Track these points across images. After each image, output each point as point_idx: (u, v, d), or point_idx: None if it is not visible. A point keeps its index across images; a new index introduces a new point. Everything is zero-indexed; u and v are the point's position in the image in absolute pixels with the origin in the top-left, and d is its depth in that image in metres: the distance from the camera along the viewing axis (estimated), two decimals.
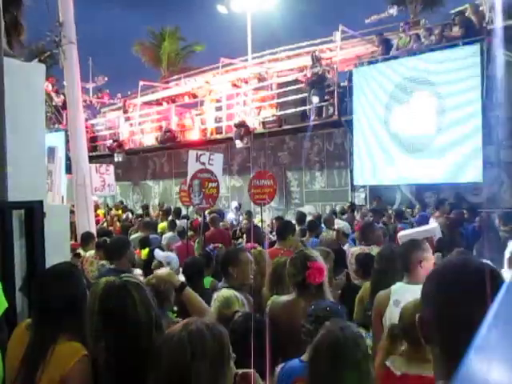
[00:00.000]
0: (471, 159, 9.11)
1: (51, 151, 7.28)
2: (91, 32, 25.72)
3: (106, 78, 22.19)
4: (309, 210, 10.15)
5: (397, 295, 2.87)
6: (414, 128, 9.88)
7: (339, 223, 6.49)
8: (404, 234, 5.46)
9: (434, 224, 5.81)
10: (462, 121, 9.26)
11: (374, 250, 4.44)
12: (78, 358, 1.82)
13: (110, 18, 54.89)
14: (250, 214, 9.02)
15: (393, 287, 2.98)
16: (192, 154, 6.98)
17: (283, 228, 5.03)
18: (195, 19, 41.81)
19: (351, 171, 11.19)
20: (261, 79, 13.98)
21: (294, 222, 6.75)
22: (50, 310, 1.91)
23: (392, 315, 2.86)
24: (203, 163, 6.88)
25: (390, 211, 8.79)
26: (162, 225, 8.68)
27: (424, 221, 7.22)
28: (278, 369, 2.26)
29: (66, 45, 7.62)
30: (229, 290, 2.90)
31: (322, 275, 2.77)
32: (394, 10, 12.13)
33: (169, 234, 7.63)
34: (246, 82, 14.17)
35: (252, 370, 1.86)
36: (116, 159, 14.91)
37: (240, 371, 1.71)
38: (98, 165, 9.45)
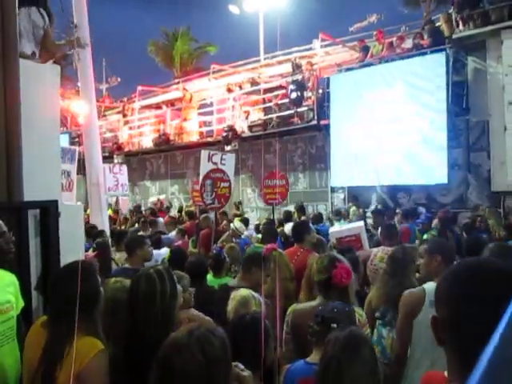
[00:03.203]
0: (438, 161, 9.66)
1: (71, 152, 7.40)
2: (105, 32, 25.93)
3: (119, 79, 22.41)
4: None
5: (433, 296, 2.74)
6: (385, 132, 10.38)
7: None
8: (334, 231, 5.88)
9: (360, 223, 6.13)
10: (429, 125, 9.81)
11: None
12: (94, 353, 1.85)
13: (123, 19, 55.23)
14: (225, 214, 9.22)
15: (427, 287, 2.81)
16: (204, 153, 7.00)
17: (299, 228, 4.89)
18: (208, 20, 41.91)
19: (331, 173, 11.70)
20: (254, 84, 14.24)
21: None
22: (65, 307, 1.94)
23: (428, 318, 2.77)
24: (215, 163, 6.89)
25: (397, 211, 8.91)
26: None
27: (427, 221, 7.26)
28: (284, 370, 2.25)
29: (81, 45, 7.68)
30: (246, 290, 2.90)
31: (349, 276, 2.71)
32: (373, 18, 12.53)
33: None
34: (240, 87, 14.43)
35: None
36: (116, 161, 15.44)
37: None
38: (111, 165, 9.60)
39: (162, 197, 13.93)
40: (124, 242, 4.75)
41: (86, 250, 4.63)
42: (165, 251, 5.69)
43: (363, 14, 13.47)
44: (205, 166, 6.76)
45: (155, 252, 5.33)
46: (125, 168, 9.70)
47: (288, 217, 8.16)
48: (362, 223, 6.05)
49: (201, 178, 6.55)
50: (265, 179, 7.36)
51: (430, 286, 2.80)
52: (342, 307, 2.33)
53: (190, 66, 27.08)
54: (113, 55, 27.30)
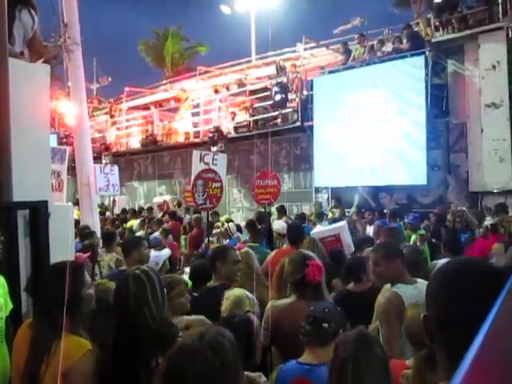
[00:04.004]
0: (418, 162, 9.83)
1: (61, 152, 7.35)
2: (96, 32, 25.77)
3: (110, 79, 22.25)
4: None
5: (411, 299, 2.66)
6: (367, 133, 10.53)
7: (277, 223, 6.68)
8: (316, 231, 5.94)
9: (342, 223, 6.19)
10: (409, 127, 9.98)
11: None
12: (82, 352, 1.85)
13: (116, 18, 54.95)
14: (217, 214, 9.33)
15: (400, 291, 2.81)
16: (196, 154, 7.01)
17: (292, 231, 5.03)
18: (200, 19, 41.85)
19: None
20: (241, 85, 14.33)
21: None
22: (51, 306, 1.93)
23: None
24: (207, 163, 6.89)
25: (384, 211, 9.01)
26: (130, 223, 9.52)
27: (415, 221, 7.33)
28: (277, 370, 2.26)
29: (71, 46, 7.63)
30: (240, 290, 2.90)
31: (321, 273, 2.75)
32: (357, 21, 12.66)
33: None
34: (227, 88, 14.49)
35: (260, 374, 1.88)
36: (103, 161, 15.44)
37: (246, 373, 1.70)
38: (102, 165, 9.58)
39: (168, 198, 13.84)
40: (122, 242, 4.75)
41: (78, 251, 4.60)
42: (166, 252, 5.67)
43: (355, 14, 13.48)
44: (196, 166, 6.79)
45: (155, 253, 5.28)
46: (116, 168, 9.70)
47: (261, 219, 8.06)
48: (343, 223, 6.09)
49: (192, 178, 6.53)
50: (257, 179, 7.35)
51: (402, 289, 2.83)
52: (332, 307, 2.35)
53: (181, 66, 27.02)
54: (104, 55, 27.09)
